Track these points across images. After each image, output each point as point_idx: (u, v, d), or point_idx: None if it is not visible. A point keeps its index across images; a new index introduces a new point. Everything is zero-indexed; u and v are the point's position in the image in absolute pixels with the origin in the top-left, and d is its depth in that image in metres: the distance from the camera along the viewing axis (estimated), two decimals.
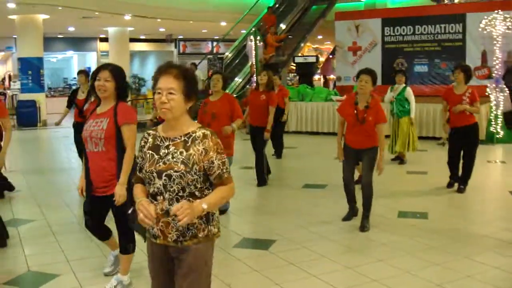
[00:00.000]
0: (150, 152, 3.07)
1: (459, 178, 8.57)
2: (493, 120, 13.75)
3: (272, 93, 9.41)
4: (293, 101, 16.75)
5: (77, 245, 6.28)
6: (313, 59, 19.22)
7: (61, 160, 13.56)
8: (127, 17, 21.61)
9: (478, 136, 8.58)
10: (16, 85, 23.67)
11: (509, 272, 5.20)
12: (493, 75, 14.17)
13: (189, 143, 3.00)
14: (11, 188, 9.05)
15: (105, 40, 26.87)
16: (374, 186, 8.51)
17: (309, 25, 21.80)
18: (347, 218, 7.04)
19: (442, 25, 17.04)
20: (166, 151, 3.01)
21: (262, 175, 9.43)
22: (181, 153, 2.98)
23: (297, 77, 18.95)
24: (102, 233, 5.11)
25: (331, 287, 4.89)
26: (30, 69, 20.56)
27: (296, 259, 5.63)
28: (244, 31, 21.87)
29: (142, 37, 29.34)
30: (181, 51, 31.18)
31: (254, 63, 17.27)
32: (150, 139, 3.12)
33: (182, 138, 3.02)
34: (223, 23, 23.73)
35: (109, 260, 5.30)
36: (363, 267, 5.36)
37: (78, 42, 28.67)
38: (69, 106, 9.70)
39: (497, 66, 13.90)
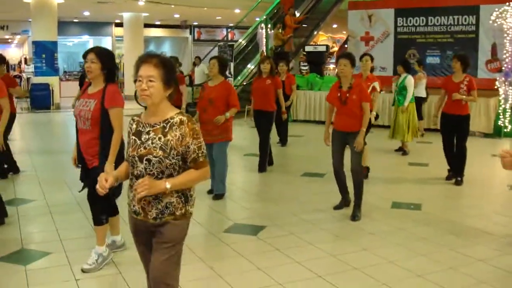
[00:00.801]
0: (133, 137, 3.25)
1: (454, 170, 8.61)
2: (501, 113, 13.68)
3: (277, 77, 9.78)
4: (302, 90, 16.80)
5: (73, 225, 6.42)
6: (323, 48, 19.14)
7: (69, 142, 13.70)
8: (141, 3, 21.71)
9: (469, 127, 8.65)
10: (30, 68, 23.88)
11: (493, 265, 5.20)
12: (503, 68, 14.06)
13: (167, 128, 3.16)
14: (16, 170, 9.21)
15: (120, 25, 27.01)
16: (374, 175, 8.58)
17: (323, 14, 21.75)
18: (339, 207, 7.11)
19: (455, 17, 16.87)
20: (147, 136, 3.19)
21: (265, 161, 9.55)
22: (159, 138, 3.14)
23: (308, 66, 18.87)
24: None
25: (311, 273, 4.96)
26: (44, 52, 20.72)
27: (283, 245, 5.70)
28: (258, 19, 21.87)
29: (157, 22, 29.42)
30: (196, 37, 31.23)
31: (264, 50, 17.29)
32: (134, 125, 3.31)
33: (161, 124, 3.18)
34: (237, 10, 23.78)
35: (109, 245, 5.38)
36: (347, 255, 5.42)
37: (94, 27, 28.84)
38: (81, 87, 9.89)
39: (507, 60, 13.79)
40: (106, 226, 5.13)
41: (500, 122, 13.71)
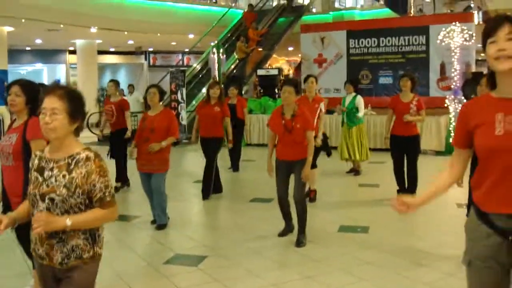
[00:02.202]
0: (36, 174, 3.04)
1: (406, 190, 8.53)
2: (452, 131, 13.77)
3: (225, 104, 9.58)
4: (255, 114, 16.72)
5: (7, 262, 6.13)
6: (275, 72, 19.20)
7: None
8: (93, 30, 21.48)
9: (419, 147, 8.63)
10: None
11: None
12: (452, 86, 14.21)
13: (72, 165, 2.98)
14: None
15: (74, 52, 26.66)
16: (323, 198, 8.48)
17: (278, 36, 21.96)
18: (282, 234, 6.92)
19: (406, 37, 17.06)
20: (50, 173, 2.99)
21: (209, 188, 9.29)
22: (63, 176, 2.96)
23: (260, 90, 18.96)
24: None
25: None
26: None
27: (222, 276, 5.52)
28: (212, 43, 21.85)
29: (112, 49, 29.17)
30: (151, 63, 31.03)
31: (216, 75, 17.25)
32: (37, 161, 3.10)
33: (66, 160, 3.00)
34: (191, 36, 23.68)
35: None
36: (289, 284, 5.26)
37: (47, 55, 28.39)
38: None
39: (455, 78, 13.94)
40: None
41: (451, 140, 13.76)
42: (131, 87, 19.57)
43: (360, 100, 10.79)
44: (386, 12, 23.39)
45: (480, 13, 22.11)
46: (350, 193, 9.55)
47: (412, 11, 22.31)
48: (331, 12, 25.33)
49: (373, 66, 17.59)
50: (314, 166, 8.84)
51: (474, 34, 14.67)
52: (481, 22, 22.47)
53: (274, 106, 16.81)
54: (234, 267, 5.83)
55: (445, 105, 13.85)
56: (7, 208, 4.54)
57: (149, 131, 7.28)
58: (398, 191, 8.70)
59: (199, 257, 6.14)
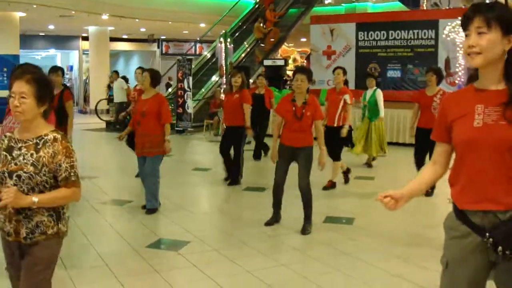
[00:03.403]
0: (4, 153, 3.19)
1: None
2: None
3: (244, 91, 9.55)
4: None
5: None
6: (281, 62, 19.21)
7: None
8: (105, 17, 21.59)
9: None
10: None
11: (408, 280, 5.13)
12: (457, 81, 14.17)
13: (40, 145, 3.14)
14: None
15: (87, 38, 26.83)
16: (317, 188, 8.55)
17: (288, 27, 21.99)
18: (269, 223, 6.96)
19: (415, 31, 16.94)
20: (19, 152, 3.14)
21: (238, 175, 9.47)
22: (31, 155, 3.11)
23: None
24: None
25: None
26: (6, 66, 20.48)
27: (201, 261, 5.60)
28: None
29: (125, 36, 29.31)
30: (163, 51, 31.13)
31: (223, 64, 17.34)
32: (6, 141, 3.25)
33: (34, 141, 3.16)
34: (202, 25, 23.73)
35: None
36: (263, 271, 5.32)
37: (60, 40, 28.58)
38: None
39: (460, 73, 13.89)
40: None
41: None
42: (115, 74, 19.26)
43: (379, 95, 10.86)
44: (398, 6, 23.26)
45: None
46: (345, 185, 9.53)
47: (424, 6, 22.18)
48: (343, 4, 25.24)
49: (382, 59, 17.50)
50: (338, 158, 9.13)
51: None
52: None
53: (279, 97, 16.86)
54: (214, 253, 5.91)
55: None
56: None
57: (140, 115, 7.39)
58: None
59: (181, 242, 6.24)
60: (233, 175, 9.49)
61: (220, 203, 8.34)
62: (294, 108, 6.61)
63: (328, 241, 6.36)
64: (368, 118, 11.05)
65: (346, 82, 9.13)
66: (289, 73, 23.67)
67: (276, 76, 18.69)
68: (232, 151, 9.53)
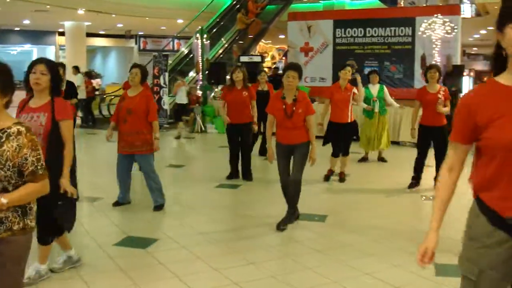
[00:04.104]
0: None
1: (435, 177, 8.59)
2: None
3: (251, 88, 9.54)
4: None
5: None
6: (258, 59, 19.13)
7: None
8: (81, 12, 21.38)
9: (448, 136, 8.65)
10: None
11: (379, 279, 5.06)
12: None
13: (3, 139, 2.96)
14: None
15: (63, 34, 26.54)
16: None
17: (266, 23, 21.95)
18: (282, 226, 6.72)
19: (392, 28, 16.97)
20: None
21: (250, 170, 9.44)
22: None
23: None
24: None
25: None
26: None
27: (168, 259, 5.50)
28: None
29: (102, 32, 29.06)
30: (141, 47, 30.93)
31: (200, 61, 17.26)
32: None
33: None
34: (180, 21, 23.58)
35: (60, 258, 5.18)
36: (231, 269, 5.23)
37: (36, 36, 28.28)
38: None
39: None
40: (50, 246, 4.97)
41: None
42: (74, 70, 18.92)
43: (386, 90, 11.12)
44: (376, 3, 23.29)
45: (473, 6, 22.05)
46: (322, 182, 9.44)
47: (402, 3, 22.24)
48: (321, 1, 25.21)
49: (359, 56, 17.48)
50: (348, 153, 9.39)
51: (456, 27, 14.64)
52: (474, 16, 22.45)
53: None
54: (183, 251, 5.81)
55: None
56: None
57: (126, 112, 7.18)
58: (414, 182, 8.82)
59: (149, 240, 6.14)
60: (247, 171, 9.44)
61: (191, 201, 8.21)
62: (284, 106, 6.54)
63: (300, 238, 6.30)
64: (379, 113, 11.13)
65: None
66: (266, 69, 23.63)
67: (252, 72, 18.59)
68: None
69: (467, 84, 34.03)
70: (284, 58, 27.67)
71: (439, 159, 8.50)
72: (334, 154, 9.38)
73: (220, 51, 21.24)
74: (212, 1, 22.07)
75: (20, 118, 4.50)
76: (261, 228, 6.67)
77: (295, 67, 6.66)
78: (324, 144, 9.30)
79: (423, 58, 15.54)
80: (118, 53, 31.71)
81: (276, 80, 20.25)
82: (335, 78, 16.92)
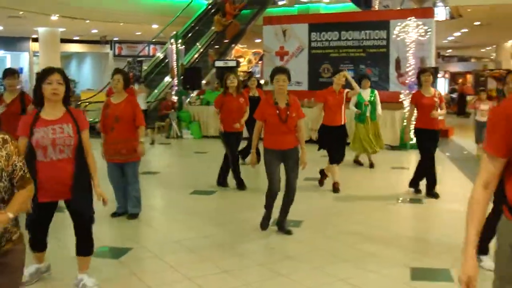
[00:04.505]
0: None
1: (430, 183, 8.61)
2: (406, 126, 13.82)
3: (245, 93, 9.55)
4: (213, 106, 16.64)
5: None
6: (233, 63, 19.12)
7: None
8: (54, 18, 21.19)
9: None
10: None
11: (354, 285, 5.04)
12: (407, 81, 14.27)
13: None
14: None
15: (37, 40, 26.27)
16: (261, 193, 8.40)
17: (244, 25, 21.99)
18: (265, 227, 6.75)
19: (367, 32, 17.03)
20: None
21: (240, 176, 9.31)
22: None
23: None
24: (45, 243, 5.09)
25: None
26: None
27: (142, 269, 5.46)
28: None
29: (76, 38, 28.84)
30: (116, 53, 30.73)
31: (175, 66, 17.19)
32: None
33: None
34: (155, 26, 23.48)
35: (30, 270, 5.04)
36: (204, 278, 5.17)
37: (10, 42, 27.93)
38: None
39: (410, 73, 14.00)
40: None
41: (411, 134, 13.84)
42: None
43: (377, 95, 11.17)
44: (351, 7, 23.36)
45: (447, 9, 22.19)
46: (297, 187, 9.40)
47: (376, 7, 22.35)
48: (296, 5, 25.27)
49: (334, 59, 17.53)
50: (342, 159, 9.21)
51: (430, 30, 14.73)
52: (448, 18, 22.60)
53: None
54: (156, 260, 5.74)
55: (400, 100, 13.87)
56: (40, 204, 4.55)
57: (113, 120, 7.03)
58: (430, 188, 8.65)
59: (122, 249, 6.05)
60: (239, 179, 9.27)
61: (165, 208, 8.16)
62: (278, 111, 6.42)
63: (273, 244, 6.26)
64: (370, 118, 11.16)
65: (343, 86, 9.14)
66: (241, 74, 23.70)
67: None
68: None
69: (442, 86, 34.47)
70: (260, 62, 27.66)
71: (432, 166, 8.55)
72: (333, 161, 9.12)
73: (196, 56, 21.21)
74: (187, 6, 22.01)
75: (39, 132, 4.38)
76: (235, 235, 6.63)
77: (283, 70, 6.56)
78: (319, 149, 9.22)
79: (397, 61, 15.62)
80: (93, 59, 31.51)
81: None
82: (311, 81, 17.18)
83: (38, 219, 4.75)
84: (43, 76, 4.44)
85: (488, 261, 4.94)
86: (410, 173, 11.10)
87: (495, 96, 25.30)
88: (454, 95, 29.81)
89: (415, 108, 8.65)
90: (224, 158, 9.39)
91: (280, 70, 6.56)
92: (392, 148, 13.91)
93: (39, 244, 4.98)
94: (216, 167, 11.34)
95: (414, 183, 8.84)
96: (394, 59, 15.77)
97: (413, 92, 9.34)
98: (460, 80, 34.74)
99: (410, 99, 8.98)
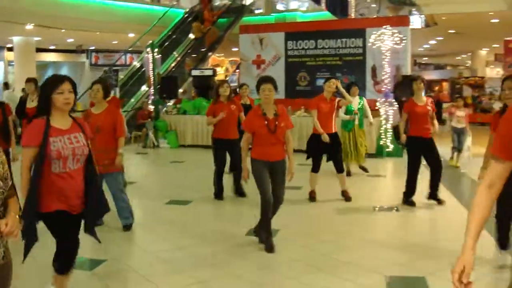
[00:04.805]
0: None
1: (432, 190, 8.60)
2: (383, 133, 13.90)
3: (236, 99, 9.53)
4: (190, 115, 16.61)
5: None
6: (210, 72, 19.11)
7: None
8: (29, 27, 20.98)
9: None
10: None
11: None
12: (383, 89, 14.35)
13: None
14: None
15: (12, 49, 25.99)
16: (245, 199, 8.34)
17: (218, 37, 21.97)
18: (272, 249, 6.40)
19: (343, 40, 17.16)
20: None
21: (241, 187, 9.26)
22: None
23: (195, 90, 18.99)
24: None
25: None
26: None
27: (115, 282, 5.39)
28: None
29: (52, 47, 28.61)
30: (93, 62, 30.53)
31: (151, 75, 17.13)
32: None
33: None
34: (131, 35, 23.36)
35: None
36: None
37: None
38: (19, 116, 9.69)
39: (385, 81, 14.08)
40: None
41: (382, 142, 13.94)
42: (3, 85, 18.48)
43: (366, 102, 11.16)
44: (328, 15, 23.52)
45: (422, 17, 22.42)
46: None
47: (352, 15, 22.52)
48: (273, 14, 25.36)
49: (311, 68, 17.62)
50: (342, 169, 9.19)
51: (405, 38, 14.85)
52: (423, 27, 22.83)
53: (208, 107, 16.71)
54: (129, 272, 5.68)
55: (376, 107, 13.93)
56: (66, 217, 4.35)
57: (94, 130, 6.90)
58: (408, 196, 8.67)
59: (96, 261, 5.97)
60: (239, 187, 9.27)
61: (141, 218, 8.06)
62: (266, 122, 6.31)
63: (248, 255, 6.21)
64: (358, 126, 11.14)
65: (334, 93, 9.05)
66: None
67: (204, 86, 18.59)
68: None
69: None
70: (237, 71, 27.70)
71: (437, 169, 8.54)
72: (315, 170, 9.11)
73: (173, 65, 21.19)
74: (164, 15, 21.96)
75: (58, 142, 4.17)
76: (211, 246, 6.57)
77: (268, 80, 6.39)
78: (307, 158, 9.17)
79: (373, 69, 15.74)
80: (69, 68, 31.19)
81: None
82: (288, 90, 17.20)
83: (65, 229, 4.51)
84: (53, 85, 4.22)
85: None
86: (386, 181, 11.21)
87: (471, 103, 25.76)
88: None
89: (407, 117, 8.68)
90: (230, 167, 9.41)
91: (265, 80, 6.41)
92: (369, 155, 13.91)
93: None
94: (193, 176, 11.33)
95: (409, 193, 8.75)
96: (370, 67, 15.88)
97: (406, 101, 9.35)
98: (437, 88, 35.12)
99: (403, 108, 8.96)
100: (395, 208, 8.44)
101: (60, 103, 4.18)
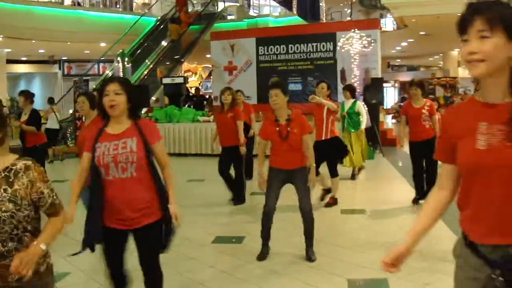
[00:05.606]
0: None
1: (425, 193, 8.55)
2: None
3: (236, 108, 9.32)
4: (161, 123, 16.56)
5: None
6: (180, 80, 19.10)
7: None
8: None
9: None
10: None
11: None
12: None
13: (12, 178, 2.71)
14: None
15: None
16: (212, 207, 8.27)
17: (189, 44, 21.97)
18: (262, 257, 6.25)
19: (314, 44, 17.25)
20: None
21: (242, 192, 9.31)
22: (5, 190, 2.68)
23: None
24: (124, 278, 4.44)
25: None
26: None
27: None
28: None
29: (24, 58, 28.42)
30: (65, 72, 30.38)
31: None
32: None
33: (3, 174, 2.72)
34: (103, 44, 23.30)
35: None
36: None
37: None
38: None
39: (355, 84, 14.17)
40: None
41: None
42: None
43: (361, 105, 10.97)
44: (299, 20, 23.63)
45: (393, 19, 22.62)
46: (232, 204, 9.34)
47: (324, 19, 22.66)
48: (245, 20, 25.42)
49: (283, 73, 17.68)
50: (336, 174, 8.94)
51: (374, 40, 14.96)
52: (395, 29, 23.01)
53: (179, 114, 16.69)
54: (90, 284, 5.64)
55: None
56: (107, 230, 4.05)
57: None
58: (417, 199, 8.73)
59: (59, 274, 5.91)
60: (238, 194, 9.28)
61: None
62: (278, 128, 6.05)
63: (213, 263, 6.20)
64: (347, 129, 11.04)
65: (328, 96, 8.86)
66: (190, 88, 23.80)
67: (175, 94, 18.57)
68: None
69: (392, 95, 35.02)
70: (211, 77, 27.73)
71: (431, 173, 8.54)
72: (332, 175, 8.99)
73: (146, 72, 21.14)
74: (135, 24, 21.93)
75: (101, 148, 3.89)
76: (174, 254, 6.52)
77: (276, 85, 6.11)
78: None
79: (342, 72, 15.83)
80: (42, 79, 31.05)
81: (199, 101, 20.35)
82: (260, 95, 17.21)
83: (107, 247, 4.23)
84: (101, 88, 3.98)
85: None
86: (355, 183, 11.23)
87: (443, 103, 26.00)
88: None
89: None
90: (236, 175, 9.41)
91: (273, 85, 6.13)
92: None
93: (116, 279, 4.40)
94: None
95: (420, 194, 8.73)
96: (339, 71, 15.98)
97: (404, 103, 9.45)
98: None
99: (400, 110, 9.09)
100: (362, 211, 8.48)
101: (105, 105, 3.90)
